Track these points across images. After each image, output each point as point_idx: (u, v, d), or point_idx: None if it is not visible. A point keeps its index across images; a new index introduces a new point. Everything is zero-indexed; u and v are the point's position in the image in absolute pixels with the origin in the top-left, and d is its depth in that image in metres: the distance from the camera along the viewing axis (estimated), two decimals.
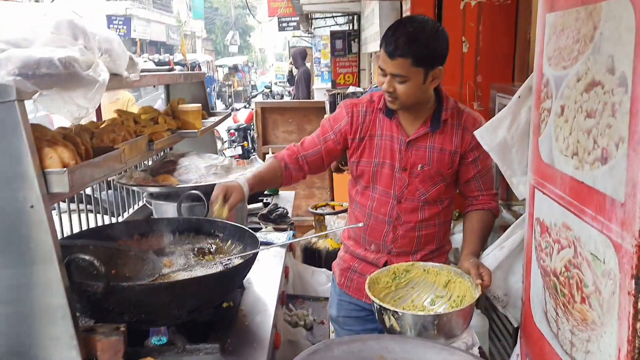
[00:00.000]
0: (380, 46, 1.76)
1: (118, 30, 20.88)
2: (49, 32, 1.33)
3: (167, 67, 2.88)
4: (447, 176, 1.90)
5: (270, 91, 15.66)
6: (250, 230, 1.75)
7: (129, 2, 22.59)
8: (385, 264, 1.93)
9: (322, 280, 2.83)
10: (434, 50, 1.74)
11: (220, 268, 1.62)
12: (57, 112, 1.20)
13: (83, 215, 2.35)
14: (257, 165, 2.48)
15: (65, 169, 1.21)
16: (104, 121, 2.02)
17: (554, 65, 1.40)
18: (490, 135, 1.68)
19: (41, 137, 1.39)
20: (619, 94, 1.05)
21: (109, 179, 2.36)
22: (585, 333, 1.23)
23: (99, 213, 2.61)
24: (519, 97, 1.64)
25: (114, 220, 2.54)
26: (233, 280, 1.52)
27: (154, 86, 2.70)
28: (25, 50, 1.21)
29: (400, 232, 1.93)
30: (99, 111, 2.19)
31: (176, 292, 1.35)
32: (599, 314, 1.16)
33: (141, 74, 1.91)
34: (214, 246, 1.80)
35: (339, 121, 1.94)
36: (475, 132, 1.73)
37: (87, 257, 1.27)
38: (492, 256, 1.77)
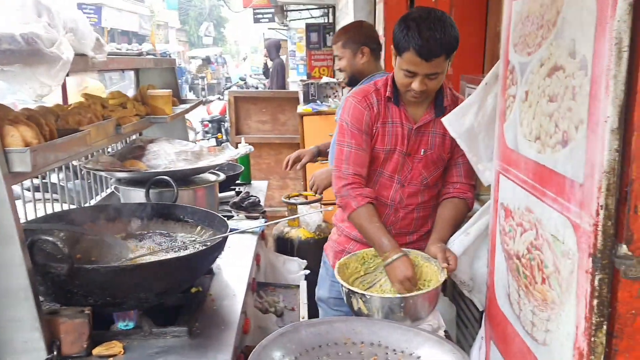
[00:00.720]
0: (403, 49, 1.74)
1: (89, 18, 20.42)
2: (14, 8, 1.30)
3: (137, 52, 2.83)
4: (447, 160, 1.96)
5: (245, 83, 15.55)
6: (220, 215, 1.74)
7: None
8: None
9: (293, 269, 2.84)
10: (457, 39, 1.78)
11: (188, 252, 1.61)
12: (19, 88, 1.17)
13: (49, 205, 2.30)
14: (231, 151, 2.47)
15: (27, 148, 1.19)
16: (71, 104, 1.99)
17: (519, 52, 1.42)
18: (457, 122, 1.71)
19: (3, 116, 1.36)
20: (579, 77, 1.08)
21: (75, 164, 2.32)
22: (545, 313, 1.26)
23: (65, 202, 2.55)
24: (486, 84, 1.67)
25: None
26: (201, 264, 1.51)
27: (122, 71, 2.64)
28: None
29: (401, 214, 1.98)
30: (65, 96, 2.14)
31: (142, 274, 1.34)
32: (558, 294, 1.19)
33: (109, 56, 1.88)
34: (183, 232, 1.79)
35: (362, 120, 1.90)
36: (443, 119, 1.75)
37: (50, 239, 1.24)
38: (458, 242, 1.80)
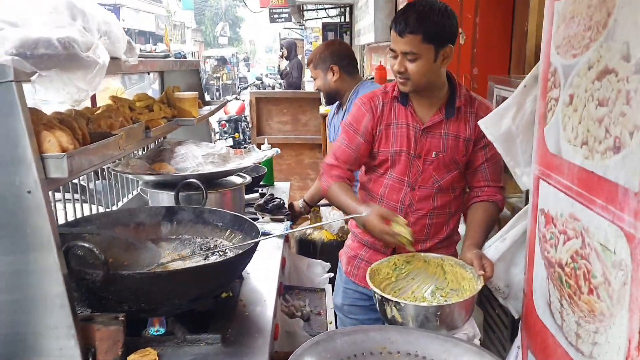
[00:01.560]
0: (390, 29, 1.78)
1: None
2: (47, 11, 1.29)
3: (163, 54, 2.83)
4: (462, 164, 1.91)
5: (262, 83, 15.57)
6: (249, 220, 1.72)
7: None
8: (394, 252, 1.91)
9: (317, 272, 2.81)
10: (443, 27, 1.75)
11: (219, 258, 1.59)
12: (56, 94, 1.15)
13: (70, 205, 2.29)
14: (257, 153, 2.45)
15: (64, 153, 1.17)
16: (99, 107, 1.98)
17: (562, 54, 1.38)
18: (494, 125, 1.67)
19: (37, 120, 1.35)
20: (635, 81, 1.03)
21: (103, 167, 2.32)
22: (592, 324, 1.22)
23: (86, 203, 2.55)
24: (525, 86, 1.62)
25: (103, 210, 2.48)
26: (234, 269, 1.49)
27: (148, 73, 2.64)
28: (23, 29, 1.17)
29: (412, 220, 1.92)
30: (93, 98, 2.13)
31: (177, 281, 1.32)
32: (608, 305, 1.15)
33: (140, 59, 1.86)
34: (213, 236, 1.77)
35: (361, 122, 1.92)
36: (480, 122, 1.71)
37: (86, 245, 1.23)
38: (493, 248, 1.76)
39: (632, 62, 1.04)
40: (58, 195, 2.24)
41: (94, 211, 2.35)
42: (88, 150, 1.29)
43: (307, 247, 3.23)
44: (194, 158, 2.06)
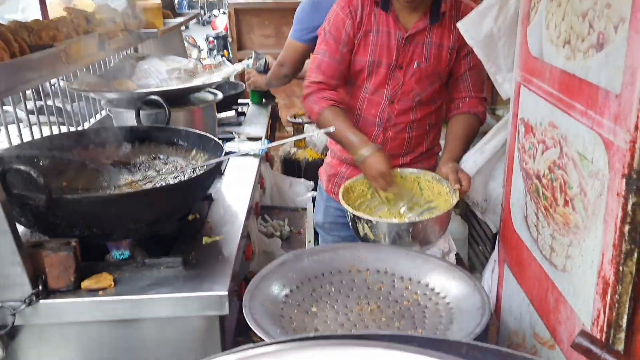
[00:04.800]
0: None
1: None
2: None
3: None
4: (444, 75, 1.78)
5: None
6: (214, 138, 1.62)
7: None
8: None
9: (300, 191, 2.75)
10: None
11: (181, 179, 1.51)
12: None
13: (46, 128, 2.19)
14: (228, 68, 2.31)
15: None
16: (50, 20, 1.82)
17: None
18: (475, 28, 1.52)
19: None
20: None
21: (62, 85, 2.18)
22: (566, 237, 1.15)
23: (63, 125, 2.45)
24: None
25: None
26: (193, 192, 1.41)
27: None
28: None
29: (391, 134, 1.83)
30: (45, 10, 1.96)
31: (128, 205, 1.24)
32: (582, 217, 1.08)
33: None
34: (176, 156, 1.68)
35: (342, 29, 1.73)
36: (459, 24, 1.57)
37: (22, 168, 1.14)
38: (471, 161, 1.68)
39: None
40: (33, 119, 2.14)
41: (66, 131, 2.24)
42: (17, 63, 1.16)
43: (291, 167, 3.15)
44: (157, 73, 1.93)
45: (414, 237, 1.48)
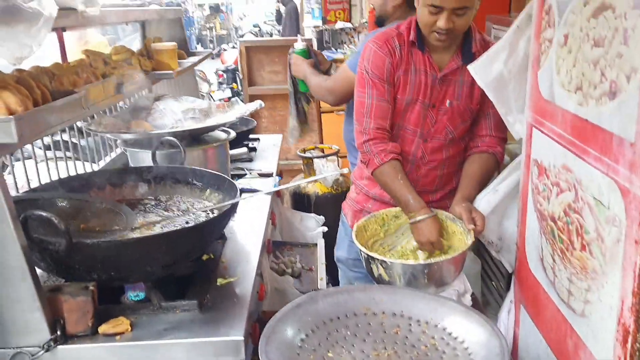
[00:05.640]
0: None
1: None
2: None
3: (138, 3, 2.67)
4: (476, 112, 1.79)
5: (259, 30, 15.15)
6: (229, 179, 1.64)
7: None
8: None
9: (311, 226, 2.75)
10: None
11: (196, 220, 1.52)
12: None
13: (62, 163, 2.23)
14: (240, 107, 2.34)
15: (11, 116, 1.08)
16: (69, 63, 1.86)
17: None
18: (485, 70, 1.55)
19: None
20: (633, 17, 0.92)
21: (79, 125, 2.23)
22: (584, 282, 1.15)
23: (78, 160, 2.49)
24: (517, 27, 1.50)
25: (94, 167, 2.42)
26: (208, 234, 1.42)
27: (126, 24, 2.49)
28: None
29: (423, 171, 1.83)
30: (64, 53, 2.01)
31: (145, 248, 1.25)
32: (600, 263, 1.08)
33: (105, 9, 1.74)
34: (192, 197, 1.70)
35: (383, 68, 1.74)
36: (469, 67, 1.59)
37: (43, 214, 1.16)
38: (485, 200, 1.68)
39: None
40: (49, 154, 2.18)
41: (81, 168, 2.28)
42: (41, 111, 1.19)
43: (301, 201, 3.16)
44: (172, 114, 1.96)
45: (429, 278, 1.48)
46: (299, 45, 2.48)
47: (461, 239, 1.62)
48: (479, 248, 2.94)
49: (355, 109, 1.81)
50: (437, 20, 1.60)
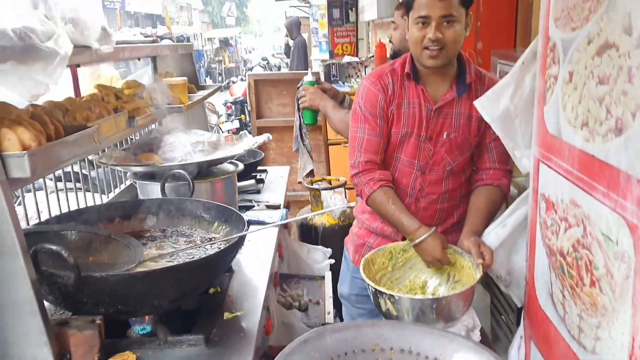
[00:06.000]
0: None
1: (113, 2, 20.43)
2: (6, 1, 1.20)
3: (150, 39, 2.74)
4: (474, 144, 1.80)
5: (268, 63, 15.39)
6: (237, 211, 1.65)
7: None
8: (404, 238, 1.83)
9: (318, 258, 2.75)
10: None
11: (204, 253, 1.53)
12: (11, 89, 1.08)
13: (72, 195, 2.26)
14: (249, 140, 2.36)
15: (24, 152, 1.10)
16: (82, 97, 1.90)
17: (561, 27, 1.27)
18: (491, 105, 1.57)
19: (5, 116, 1.28)
20: (637, 56, 0.93)
21: (90, 158, 2.26)
22: (594, 319, 1.14)
23: (88, 191, 2.52)
24: (523, 63, 1.52)
25: (104, 198, 2.44)
26: (216, 267, 1.43)
27: (139, 59, 2.56)
28: None
29: (423, 205, 1.84)
30: (77, 88, 2.06)
31: (154, 281, 1.25)
32: (610, 299, 1.07)
33: (118, 46, 1.78)
34: (199, 229, 1.71)
35: (376, 104, 1.78)
36: (475, 102, 1.61)
37: (53, 248, 1.17)
38: (494, 234, 1.68)
39: (634, 36, 0.94)
40: (60, 185, 2.21)
41: (91, 199, 2.30)
42: (54, 146, 1.22)
43: (308, 233, 3.16)
44: (182, 147, 1.99)
45: (438, 313, 1.46)
46: (309, 77, 2.51)
47: (470, 273, 1.61)
48: (488, 281, 2.91)
49: (349, 143, 1.85)
50: (426, 33, 1.64)
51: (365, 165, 1.78)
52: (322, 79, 4.72)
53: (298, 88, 2.54)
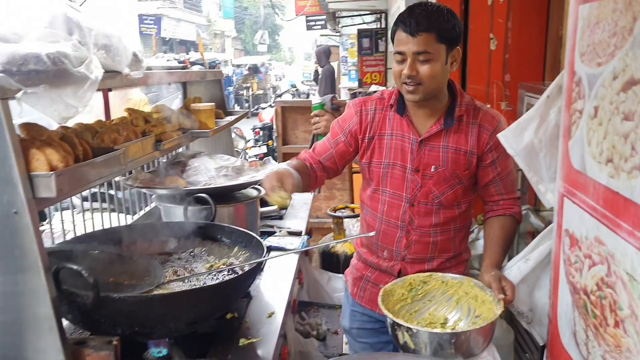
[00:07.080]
0: (394, 32, 1.68)
1: (149, 29, 21.11)
2: (42, 26, 1.26)
3: (181, 65, 2.81)
4: (464, 178, 1.77)
5: (297, 90, 15.58)
6: (257, 237, 1.66)
7: (159, 2, 22.80)
8: (400, 273, 1.82)
9: (338, 287, 2.72)
10: (454, 26, 1.66)
11: (222, 278, 1.53)
12: (43, 111, 1.12)
13: (98, 214, 2.31)
14: (273, 166, 2.39)
15: (52, 172, 1.14)
16: (112, 120, 1.96)
17: (587, 62, 1.26)
18: (516, 139, 1.55)
19: (36, 137, 1.32)
20: None
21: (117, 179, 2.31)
22: None
23: (114, 212, 2.57)
24: (548, 97, 1.51)
25: (129, 219, 2.49)
26: (234, 292, 1.43)
27: (169, 84, 2.63)
28: (13, 45, 1.14)
29: (414, 238, 1.81)
30: (107, 111, 2.12)
31: (171, 305, 1.26)
32: (635, 342, 1.03)
33: (148, 71, 1.84)
34: (219, 254, 1.72)
35: (347, 121, 1.84)
36: (499, 135, 1.60)
37: (74, 267, 1.19)
38: (516, 268, 1.64)
39: None
40: (87, 205, 2.27)
41: (116, 219, 2.35)
42: (81, 167, 1.25)
43: (329, 260, 3.15)
44: (206, 171, 2.02)
45: (457, 348, 1.43)
46: (316, 99, 2.52)
47: (490, 308, 1.58)
48: (511, 317, 2.84)
49: None
50: (403, 69, 1.65)
51: (308, 152, 1.90)
52: None
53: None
